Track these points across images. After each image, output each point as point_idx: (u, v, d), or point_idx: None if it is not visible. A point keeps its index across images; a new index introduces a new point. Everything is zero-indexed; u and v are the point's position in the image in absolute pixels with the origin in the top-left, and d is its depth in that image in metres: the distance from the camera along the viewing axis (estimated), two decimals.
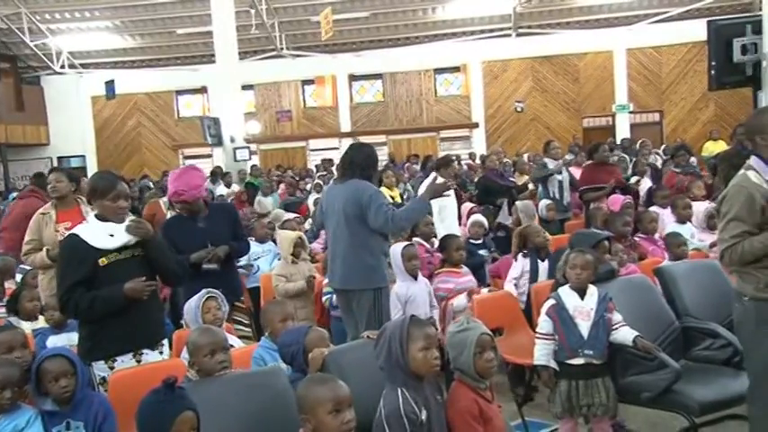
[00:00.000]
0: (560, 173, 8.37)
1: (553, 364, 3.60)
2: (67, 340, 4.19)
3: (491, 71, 20.98)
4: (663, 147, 14.76)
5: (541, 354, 3.62)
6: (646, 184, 9.12)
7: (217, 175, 13.64)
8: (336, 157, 18.19)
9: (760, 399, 3.15)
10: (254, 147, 19.30)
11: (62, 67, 20.60)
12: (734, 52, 8.26)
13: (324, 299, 5.46)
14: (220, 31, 15.80)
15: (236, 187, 13.20)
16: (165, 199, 6.32)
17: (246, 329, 4.97)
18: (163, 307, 4.19)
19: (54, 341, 4.24)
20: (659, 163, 11.03)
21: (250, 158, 16.71)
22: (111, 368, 3.50)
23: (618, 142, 15.60)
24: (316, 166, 18.21)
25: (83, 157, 21.57)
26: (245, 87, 18.26)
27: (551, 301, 3.66)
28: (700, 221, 6.28)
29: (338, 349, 3.27)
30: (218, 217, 4.87)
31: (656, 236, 6.03)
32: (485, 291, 5.18)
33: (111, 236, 3.51)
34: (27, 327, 4.59)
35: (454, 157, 10.21)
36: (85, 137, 21.77)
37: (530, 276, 5.26)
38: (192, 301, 4.15)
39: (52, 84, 21.41)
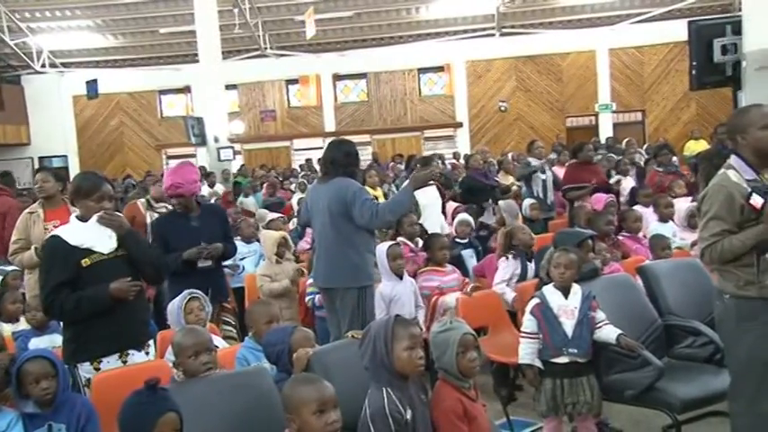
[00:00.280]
0: (544, 171, 8.40)
1: (538, 363, 3.61)
2: (50, 342, 4.16)
3: (475, 71, 21.04)
4: (645, 146, 14.87)
5: (526, 353, 3.63)
6: (628, 183, 9.19)
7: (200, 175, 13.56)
8: (319, 156, 18.19)
9: (741, 395, 3.18)
10: (238, 146, 19.21)
11: (43, 66, 20.42)
12: (714, 52, 8.32)
13: (307, 299, 5.45)
14: (203, 30, 15.71)
15: (219, 187, 13.13)
16: (143, 200, 6.27)
17: (233, 330, 4.96)
18: (148, 307, 4.16)
19: (36, 343, 4.20)
20: (642, 162, 11.10)
21: (234, 158, 16.65)
22: (97, 369, 3.47)
23: (603, 141, 15.71)
24: (300, 165, 18.18)
25: (65, 157, 21.38)
26: (228, 87, 18.18)
27: (535, 301, 3.67)
28: (681, 220, 6.33)
29: (323, 349, 3.27)
30: (210, 217, 4.92)
31: (641, 235, 6.07)
32: (470, 288, 5.17)
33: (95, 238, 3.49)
34: (7, 329, 4.55)
35: (436, 157, 10.20)
36: (67, 137, 21.59)
37: (519, 278, 5.25)
38: (174, 302, 4.14)
39: (33, 83, 21.20)
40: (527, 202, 7.91)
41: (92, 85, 18.42)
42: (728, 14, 15.76)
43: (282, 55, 20.78)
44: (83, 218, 3.56)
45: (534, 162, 8.44)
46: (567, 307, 3.60)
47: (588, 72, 20.61)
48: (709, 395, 3.58)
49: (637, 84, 20.61)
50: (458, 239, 6.47)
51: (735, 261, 3.10)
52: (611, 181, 8.93)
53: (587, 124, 20.68)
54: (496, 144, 20.12)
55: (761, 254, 3.04)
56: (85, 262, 3.45)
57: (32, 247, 4.93)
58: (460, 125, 21.18)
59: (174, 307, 4.11)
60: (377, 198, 7.79)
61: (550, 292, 3.67)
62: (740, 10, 8.88)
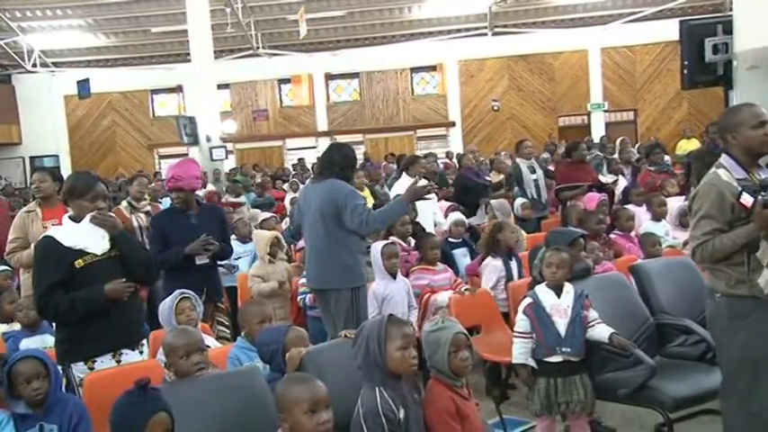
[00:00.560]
0: (534, 171, 8.42)
1: (531, 363, 3.62)
2: (41, 343, 4.13)
3: (467, 70, 21.06)
4: (637, 145, 14.92)
5: (520, 352, 3.63)
6: (621, 182, 9.21)
7: None
8: (312, 156, 18.18)
9: (732, 394, 3.19)
10: (230, 146, 19.19)
11: (34, 65, 20.32)
12: (706, 52, 8.35)
13: (299, 299, 5.45)
14: (195, 29, 15.66)
15: (210, 187, 13.09)
16: (125, 203, 6.21)
17: (227, 331, 4.96)
18: (142, 307, 4.15)
19: (27, 344, 4.17)
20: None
21: (227, 158, 16.62)
22: (91, 369, 3.46)
23: (596, 141, 15.75)
24: (293, 165, 18.17)
25: (56, 156, 21.27)
26: (220, 86, 18.14)
27: (528, 300, 3.68)
28: (673, 219, 6.36)
29: (316, 349, 3.27)
30: (209, 216, 4.95)
31: (633, 234, 6.08)
32: (464, 288, 5.18)
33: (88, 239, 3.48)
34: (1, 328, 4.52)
35: (422, 155, 10.21)
36: (59, 136, 21.48)
37: (506, 279, 5.26)
38: (165, 302, 4.13)
39: (24, 82, 21.09)
40: (518, 201, 7.92)
41: (83, 84, 18.34)
42: (719, 14, 15.82)
43: (275, 54, 20.74)
44: (76, 218, 3.55)
45: (522, 164, 8.46)
46: (559, 306, 3.60)
47: (580, 71, 20.66)
48: (701, 393, 3.60)
49: (629, 83, 20.67)
50: (451, 239, 6.47)
51: (726, 260, 3.11)
52: (607, 180, 8.93)
53: (579, 123, 20.73)
54: (489, 143, 20.16)
55: (751, 252, 3.05)
56: (79, 263, 3.43)
57: (32, 246, 4.92)
58: (453, 124, 21.19)
59: (165, 307, 4.10)
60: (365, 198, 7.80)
61: (543, 291, 3.67)
62: (731, 10, 8.90)
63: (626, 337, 3.62)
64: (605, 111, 20.52)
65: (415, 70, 21.45)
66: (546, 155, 12.70)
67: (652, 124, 20.47)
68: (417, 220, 6.50)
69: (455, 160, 14.41)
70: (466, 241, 6.58)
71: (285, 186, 12.82)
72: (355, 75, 21.50)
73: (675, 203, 6.51)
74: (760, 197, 2.95)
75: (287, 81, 21.45)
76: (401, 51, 20.51)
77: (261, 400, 2.84)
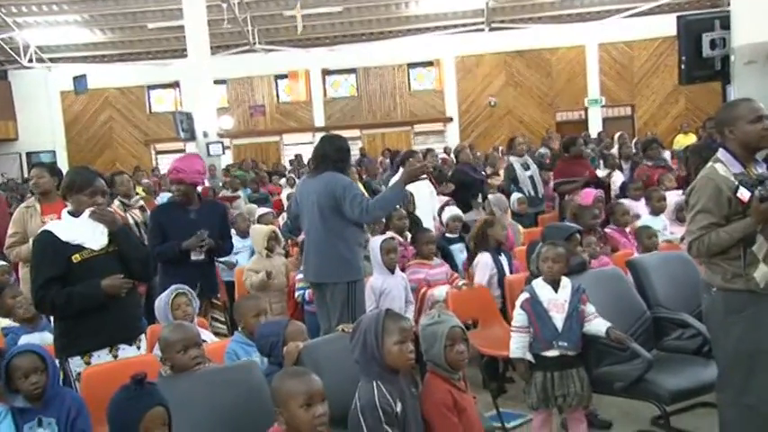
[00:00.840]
0: (528, 168, 8.44)
1: (529, 357, 3.63)
2: (40, 340, 4.13)
3: (464, 66, 21.04)
4: (635, 140, 14.93)
5: (517, 347, 3.64)
6: (618, 177, 9.22)
7: None
8: (309, 152, 18.14)
9: (728, 386, 3.21)
10: (227, 142, 19.16)
11: (30, 61, 20.26)
12: (703, 47, 8.35)
13: (297, 294, 5.45)
14: (192, 25, 15.64)
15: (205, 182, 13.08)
16: (116, 203, 6.16)
17: (223, 327, 4.96)
18: (140, 302, 4.15)
19: (26, 340, 4.17)
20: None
21: (224, 153, 16.60)
22: (88, 363, 3.46)
23: (593, 136, 15.76)
24: (290, 161, 18.17)
25: (53, 152, 21.23)
26: (217, 82, 18.11)
27: (525, 295, 3.68)
28: (670, 213, 6.37)
29: (313, 343, 3.28)
30: (209, 212, 4.96)
31: (628, 229, 6.09)
32: (461, 282, 5.19)
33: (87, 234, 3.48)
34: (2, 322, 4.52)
35: (423, 152, 10.21)
36: (55, 132, 21.43)
37: (498, 275, 5.26)
38: (161, 297, 4.12)
39: (20, 78, 21.03)
40: (515, 196, 7.94)
41: (80, 80, 18.31)
42: (717, 9, 15.84)
43: (271, 50, 20.69)
44: (74, 213, 3.55)
45: (515, 162, 8.47)
46: (556, 301, 3.61)
47: (578, 67, 20.65)
48: (697, 387, 3.61)
49: (626, 78, 20.67)
50: (448, 234, 6.47)
51: (722, 254, 3.12)
52: (602, 174, 8.95)
53: (577, 119, 20.73)
54: (486, 139, 20.16)
55: (747, 247, 3.06)
56: (76, 258, 3.44)
57: (31, 240, 4.92)
58: (450, 120, 21.18)
59: (161, 303, 4.09)
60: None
61: (540, 286, 3.68)
62: (728, 5, 8.89)
63: (623, 331, 3.63)
64: (602, 106, 20.52)
65: (412, 66, 21.42)
66: (543, 149, 12.69)
67: (649, 119, 20.48)
68: (416, 213, 6.51)
69: (453, 156, 14.41)
70: (463, 236, 6.59)
71: (282, 182, 12.82)
72: (352, 70, 21.47)
73: (672, 198, 6.52)
74: (757, 192, 2.96)
75: (284, 77, 21.41)
76: (398, 47, 20.47)
77: (258, 394, 2.85)
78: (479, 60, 20.96)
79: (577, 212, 5.83)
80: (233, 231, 6.49)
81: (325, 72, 21.47)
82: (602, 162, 10.45)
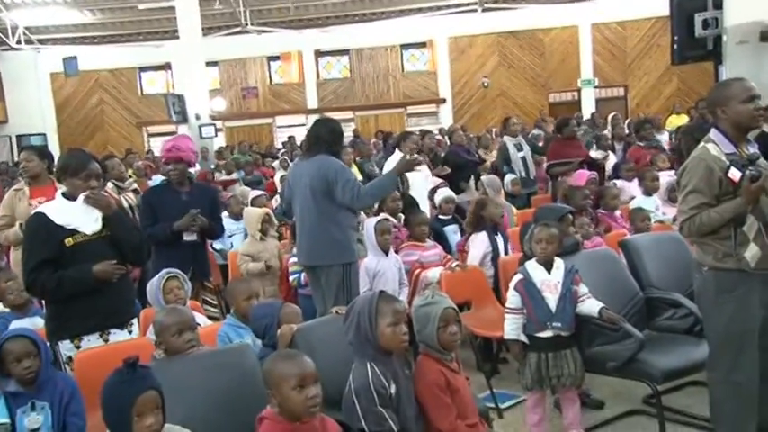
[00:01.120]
0: (521, 149, 8.43)
1: (523, 338, 3.64)
2: (31, 325, 4.11)
3: (457, 47, 20.96)
4: (627, 121, 14.91)
5: (511, 328, 3.65)
6: (611, 159, 9.22)
7: None
8: (302, 134, 18.07)
9: (719, 365, 3.24)
10: (219, 124, 19.07)
11: (18, 42, 20.02)
12: (695, 27, 8.33)
13: (292, 278, 5.44)
14: (183, 5, 15.50)
15: (198, 167, 13.01)
16: (110, 185, 6.12)
17: (215, 310, 4.96)
18: (133, 286, 4.14)
19: (17, 325, 4.15)
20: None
21: (216, 135, 16.52)
22: (78, 347, 3.45)
23: (587, 117, 15.73)
24: (283, 143, 18.10)
25: (43, 135, 21.04)
26: (209, 64, 18.00)
27: (519, 276, 3.69)
28: (662, 194, 6.38)
29: (307, 325, 3.28)
30: (200, 195, 4.96)
31: (618, 213, 6.10)
32: (454, 264, 5.19)
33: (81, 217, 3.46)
34: None
35: (420, 133, 10.17)
36: (45, 115, 21.27)
37: (492, 254, 5.28)
38: (153, 281, 4.10)
39: (8, 60, 20.79)
40: (508, 177, 7.94)
41: (70, 62, 18.10)
42: None
43: (264, 31, 20.53)
44: (70, 195, 3.52)
45: (509, 142, 8.46)
46: (550, 281, 3.62)
47: (571, 47, 20.60)
48: (688, 366, 3.65)
49: (619, 59, 20.64)
50: (441, 216, 6.48)
51: (713, 234, 3.13)
52: (597, 156, 8.94)
53: (570, 100, 20.71)
54: (479, 120, 20.13)
55: (738, 226, 3.08)
56: (69, 242, 3.41)
57: (17, 224, 4.89)
58: (444, 101, 21.13)
59: (152, 287, 4.08)
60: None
61: (533, 267, 3.68)
62: None
63: (615, 312, 3.64)
64: (595, 87, 20.52)
65: (405, 47, 21.34)
66: (537, 131, 12.67)
67: (642, 100, 20.48)
68: (410, 193, 6.51)
69: (446, 137, 14.37)
70: (456, 218, 6.59)
71: (275, 164, 12.78)
72: (345, 52, 21.36)
73: (665, 178, 6.53)
74: (747, 172, 2.97)
75: (276, 58, 21.29)
76: (391, 28, 20.36)
77: (251, 377, 2.85)
78: (472, 41, 20.87)
79: (568, 193, 5.83)
80: (226, 214, 6.50)
81: (318, 53, 21.37)
82: (595, 144, 10.43)
